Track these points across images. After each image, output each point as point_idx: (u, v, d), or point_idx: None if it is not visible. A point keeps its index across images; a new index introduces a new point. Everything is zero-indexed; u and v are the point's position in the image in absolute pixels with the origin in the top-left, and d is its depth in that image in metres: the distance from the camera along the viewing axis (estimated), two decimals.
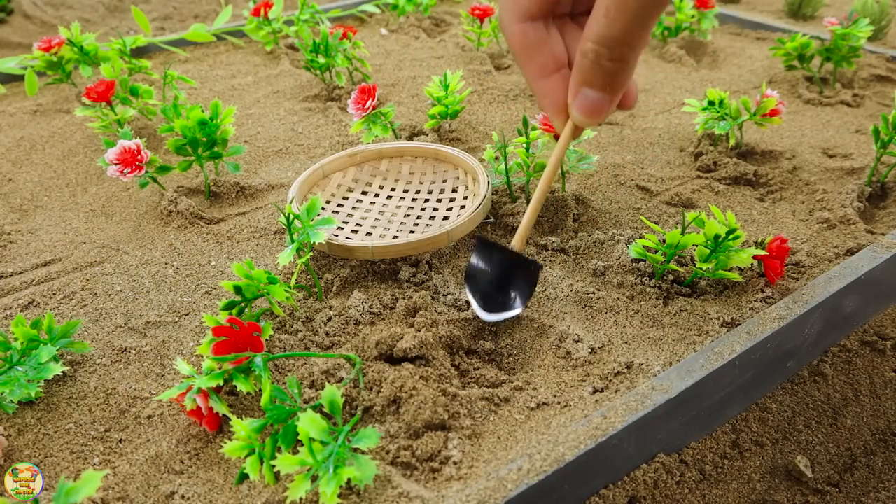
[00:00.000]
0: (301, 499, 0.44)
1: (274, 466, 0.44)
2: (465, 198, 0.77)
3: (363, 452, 0.45)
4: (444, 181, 0.80)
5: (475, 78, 1.17)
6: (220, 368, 0.51)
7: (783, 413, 0.62)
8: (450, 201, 0.77)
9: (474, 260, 0.60)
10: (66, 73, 1.09)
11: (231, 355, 0.50)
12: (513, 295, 0.60)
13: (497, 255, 0.59)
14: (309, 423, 0.44)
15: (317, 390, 0.54)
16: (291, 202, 0.71)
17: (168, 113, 0.81)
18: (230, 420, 0.50)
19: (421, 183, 0.81)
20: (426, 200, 0.78)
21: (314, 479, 0.44)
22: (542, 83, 0.48)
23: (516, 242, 0.57)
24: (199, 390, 0.50)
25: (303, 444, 0.45)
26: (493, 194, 0.79)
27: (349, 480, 0.46)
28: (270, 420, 0.47)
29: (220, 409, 0.50)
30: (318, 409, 0.50)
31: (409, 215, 0.76)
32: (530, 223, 0.56)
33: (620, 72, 0.43)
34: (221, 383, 0.51)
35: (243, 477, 0.47)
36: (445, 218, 0.74)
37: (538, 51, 0.46)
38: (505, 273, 0.59)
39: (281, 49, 1.30)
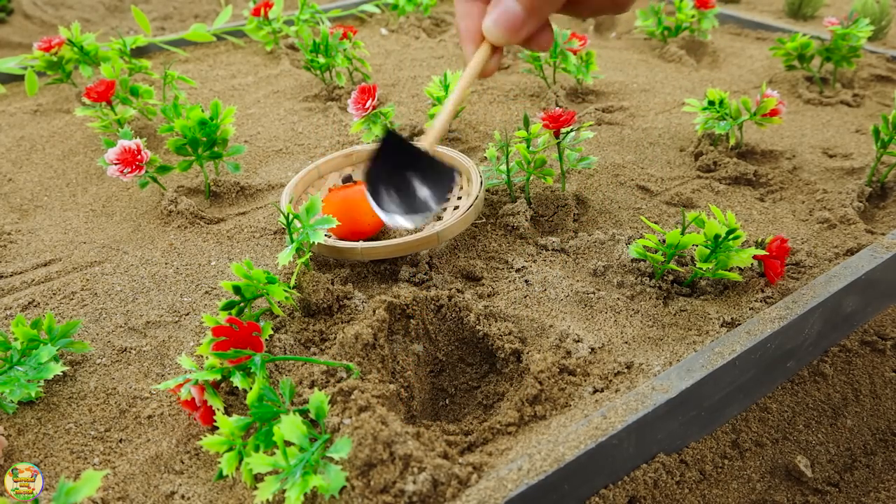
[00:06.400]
0: (268, 500, 0.44)
1: (248, 465, 0.44)
2: (460, 198, 0.77)
3: (336, 462, 0.44)
4: None
5: None
6: (221, 365, 0.51)
7: (783, 413, 0.62)
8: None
9: (378, 156, 0.48)
10: (66, 73, 1.09)
11: (231, 352, 0.50)
12: (421, 197, 0.49)
13: (407, 152, 0.49)
14: (290, 427, 0.44)
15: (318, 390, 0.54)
16: (291, 202, 0.71)
17: (168, 113, 0.80)
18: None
19: None
20: None
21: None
22: (466, 4, 0.49)
23: (428, 143, 0.49)
24: (196, 382, 0.50)
25: (288, 445, 0.44)
26: (493, 194, 0.79)
27: None
28: (255, 418, 0.47)
29: (214, 402, 0.50)
30: (305, 413, 0.49)
31: None
32: (445, 126, 0.49)
33: None
34: (219, 378, 0.51)
35: (222, 474, 0.47)
36: (439, 218, 0.74)
37: None
38: (415, 173, 0.49)
39: (281, 49, 1.30)
